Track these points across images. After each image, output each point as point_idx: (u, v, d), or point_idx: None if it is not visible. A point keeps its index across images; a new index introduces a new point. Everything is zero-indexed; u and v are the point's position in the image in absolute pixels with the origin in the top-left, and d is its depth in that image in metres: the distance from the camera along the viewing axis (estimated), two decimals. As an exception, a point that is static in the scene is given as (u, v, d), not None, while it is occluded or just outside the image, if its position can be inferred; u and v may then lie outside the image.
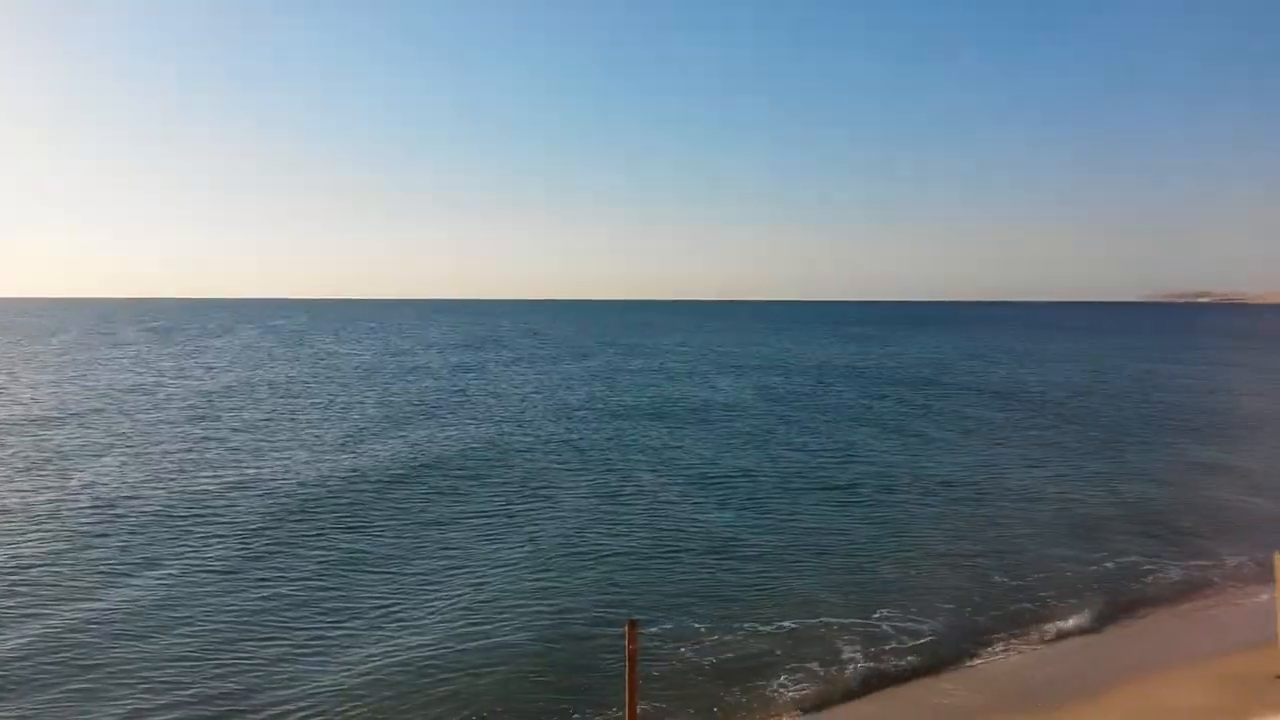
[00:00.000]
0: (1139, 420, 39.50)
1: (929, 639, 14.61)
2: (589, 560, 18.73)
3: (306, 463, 28.58)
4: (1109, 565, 18.47)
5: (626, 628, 10.29)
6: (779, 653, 14.04)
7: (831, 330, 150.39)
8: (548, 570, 18.05)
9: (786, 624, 15.19)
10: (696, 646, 14.23)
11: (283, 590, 16.72)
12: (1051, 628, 15.19)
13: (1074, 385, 55.08)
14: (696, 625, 15.07)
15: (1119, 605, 16.26)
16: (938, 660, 13.90)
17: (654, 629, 14.78)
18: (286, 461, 28.81)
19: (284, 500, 23.45)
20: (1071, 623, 15.43)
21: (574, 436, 34.58)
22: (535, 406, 44.02)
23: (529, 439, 33.88)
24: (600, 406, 44.18)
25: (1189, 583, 17.49)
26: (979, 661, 14.00)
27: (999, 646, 14.52)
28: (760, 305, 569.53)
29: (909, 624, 15.23)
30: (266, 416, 39.60)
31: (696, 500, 24.05)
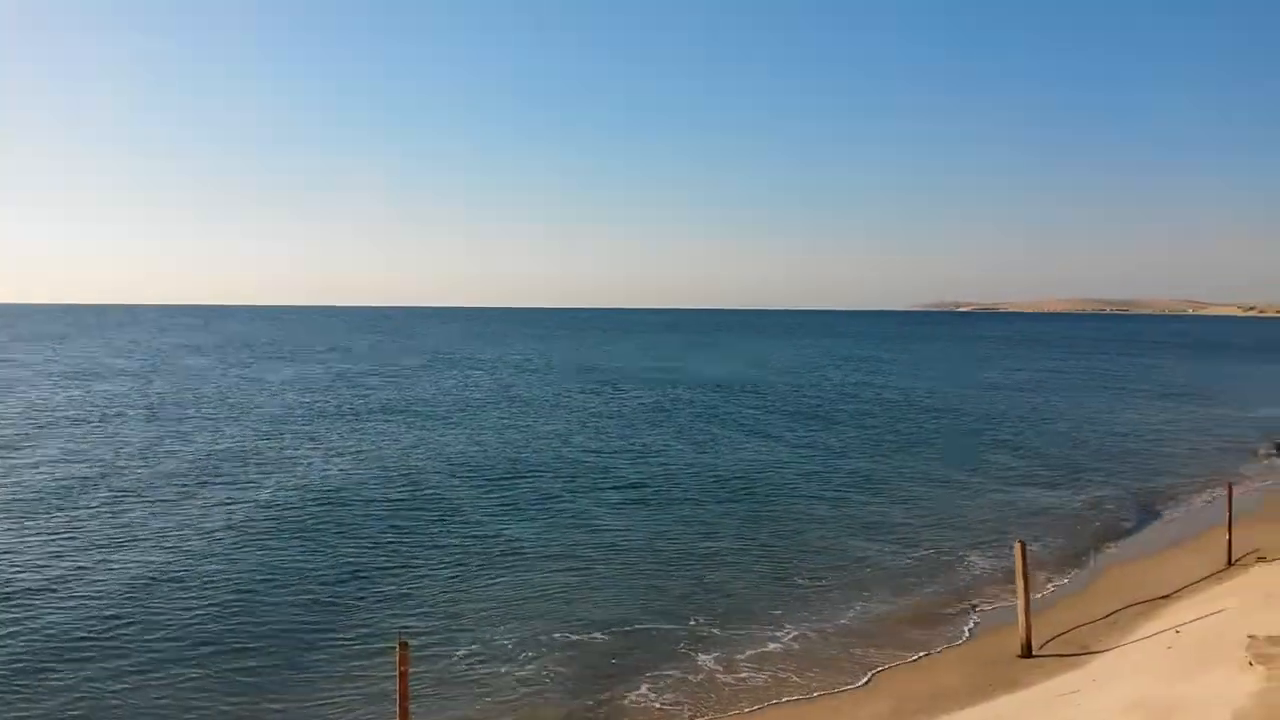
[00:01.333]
0: (858, 412, 42.41)
1: (709, 633, 14.79)
2: (360, 573, 17.77)
3: None
4: (890, 558, 19.46)
5: (398, 648, 9.72)
6: (560, 667, 13.76)
7: (608, 337, 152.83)
8: (322, 584, 16.99)
9: (574, 635, 14.94)
10: (471, 661, 13.70)
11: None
12: (818, 617, 15.76)
13: (829, 387, 58.57)
14: (471, 638, 14.55)
15: (893, 592, 17.13)
16: (722, 649, 14.08)
17: (428, 644, 14.14)
18: None
19: None
20: (852, 612, 16.09)
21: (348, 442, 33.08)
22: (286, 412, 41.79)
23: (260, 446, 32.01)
24: (339, 408, 42.59)
25: (946, 569, 18.70)
26: (754, 651, 14.26)
27: (787, 633, 14.93)
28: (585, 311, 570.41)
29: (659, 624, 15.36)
30: None
31: (479, 504, 23.46)
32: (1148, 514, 23.84)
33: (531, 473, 28.18)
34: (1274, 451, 33.39)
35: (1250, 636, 8.14)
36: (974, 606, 16.58)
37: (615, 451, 32.45)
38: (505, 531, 21.05)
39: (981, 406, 48.65)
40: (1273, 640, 7.90)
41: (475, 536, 20.63)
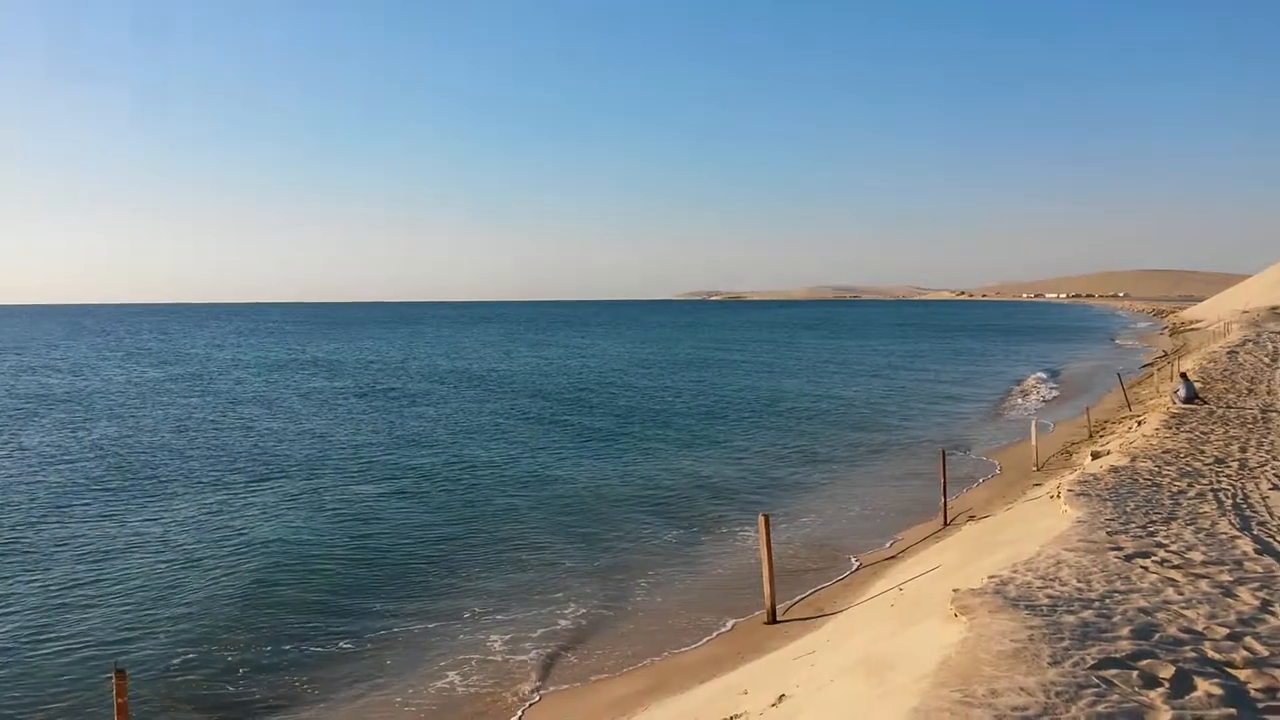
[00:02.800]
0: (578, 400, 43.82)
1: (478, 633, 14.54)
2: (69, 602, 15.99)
3: None
4: (654, 536, 19.93)
5: (114, 678, 8.78)
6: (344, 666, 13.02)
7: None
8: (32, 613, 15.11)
9: (313, 647, 14.18)
10: (193, 690, 12.68)
11: None
12: (587, 599, 15.92)
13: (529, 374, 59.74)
14: (200, 662, 13.48)
15: (660, 569, 17.57)
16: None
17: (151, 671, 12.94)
18: None
19: None
20: (612, 592, 16.33)
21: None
22: None
23: None
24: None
25: (705, 542, 19.44)
26: (497, 639, 14.19)
27: (564, 615, 14.93)
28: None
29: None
30: None
31: (225, 502, 21.81)
32: (877, 481, 25.97)
33: (279, 473, 26.57)
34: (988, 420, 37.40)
35: (955, 590, 8.96)
36: (720, 577, 17.37)
37: (361, 445, 31.27)
38: (254, 530, 19.69)
39: (724, 387, 51.18)
40: (973, 592, 8.74)
41: (213, 531, 19.15)
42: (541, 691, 12.56)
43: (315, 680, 12.86)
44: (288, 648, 13.93)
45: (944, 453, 21.16)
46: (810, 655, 11.20)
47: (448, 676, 13.02)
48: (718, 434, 34.66)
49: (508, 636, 14.44)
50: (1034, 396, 46.14)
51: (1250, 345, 46.83)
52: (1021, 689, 6.29)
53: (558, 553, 18.98)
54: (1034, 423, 27.70)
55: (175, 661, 13.36)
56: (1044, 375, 56.42)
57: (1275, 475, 15.81)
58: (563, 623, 15.10)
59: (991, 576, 9.53)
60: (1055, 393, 47.13)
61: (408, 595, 16.37)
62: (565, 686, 12.75)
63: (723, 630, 14.58)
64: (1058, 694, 6.21)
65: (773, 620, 14.52)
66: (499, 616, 15.29)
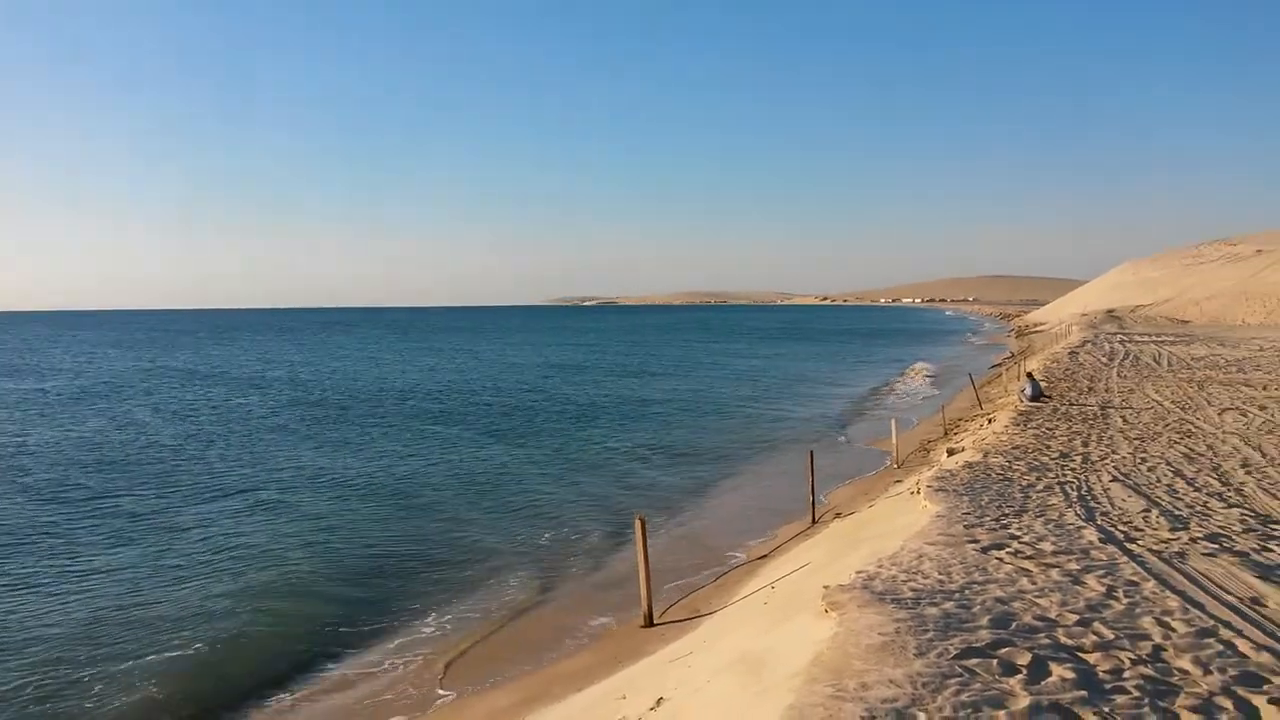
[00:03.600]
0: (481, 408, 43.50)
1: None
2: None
3: None
4: (520, 545, 19.65)
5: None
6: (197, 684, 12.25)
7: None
8: None
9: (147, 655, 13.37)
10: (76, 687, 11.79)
11: None
12: (459, 609, 15.58)
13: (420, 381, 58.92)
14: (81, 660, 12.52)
15: (528, 577, 17.32)
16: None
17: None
18: None
19: None
20: (487, 602, 16.02)
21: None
22: None
23: None
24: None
25: (575, 549, 19.33)
26: (355, 658, 13.75)
27: (426, 628, 14.50)
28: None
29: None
30: None
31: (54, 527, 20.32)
32: (749, 481, 26.47)
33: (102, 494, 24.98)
34: (845, 424, 38.70)
35: (825, 587, 9.18)
36: (592, 580, 17.34)
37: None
38: (96, 557, 18.42)
39: (596, 390, 51.31)
40: (842, 588, 8.97)
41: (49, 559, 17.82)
42: (409, 713, 12.19)
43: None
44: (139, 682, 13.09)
45: (811, 453, 21.74)
46: (687, 657, 11.26)
47: (281, 696, 12.48)
48: (592, 436, 34.67)
49: (369, 654, 13.97)
50: (894, 395, 48.08)
51: (1089, 346, 50.09)
52: (890, 681, 6.47)
53: (425, 562, 18.53)
54: (894, 421, 28.82)
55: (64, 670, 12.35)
56: (903, 375, 58.90)
57: (1115, 468, 16.91)
58: (427, 632, 14.74)
59: (859, 572, 9.81)
60: (915, 391, 49.25)
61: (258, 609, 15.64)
62: (436, 702, 12.42)
63: (600, 636, 14.54)
64: (924, 684, 6.42)
65: (650, 623, 14.55)
66: (364, 629, 14.79)
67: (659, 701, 9.20)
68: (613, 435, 35.05)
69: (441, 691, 12.72)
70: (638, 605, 14.81)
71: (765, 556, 17.98)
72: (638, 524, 14.76)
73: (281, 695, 12.57)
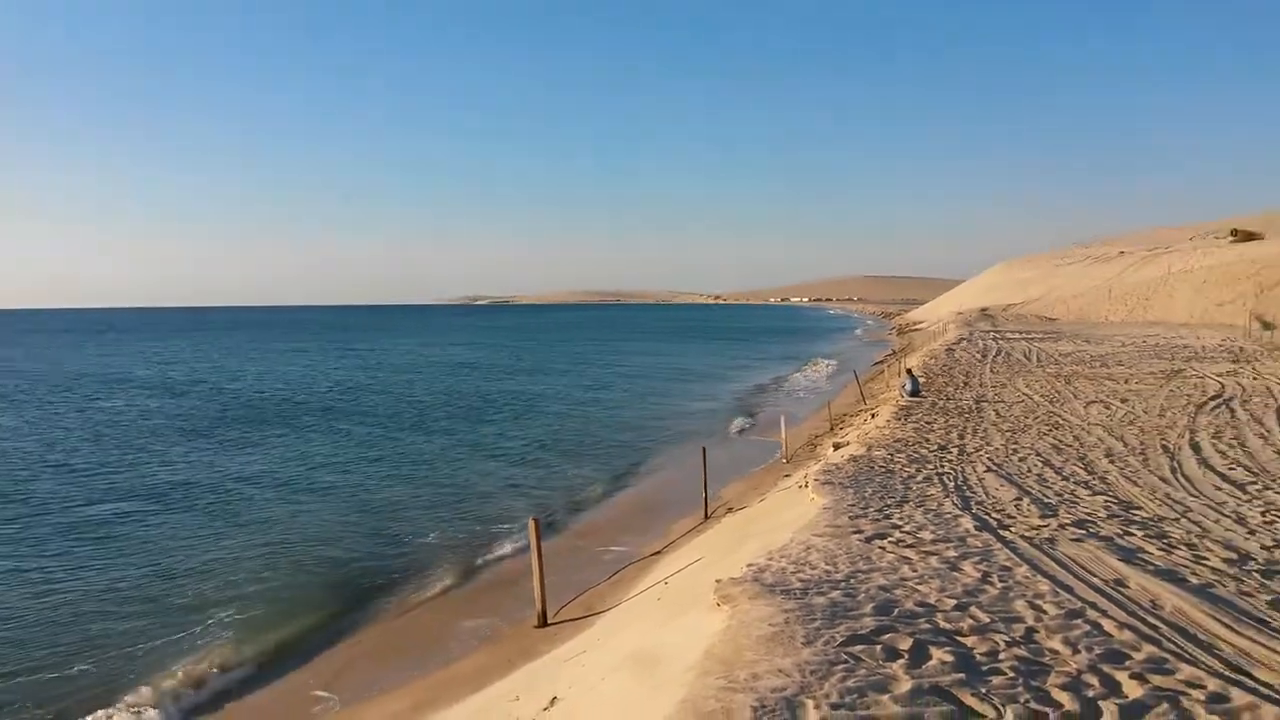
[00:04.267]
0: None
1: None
2: None
3: None
4: (385, 551, 19.23)
5: None
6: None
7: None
8: None
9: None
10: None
11: None
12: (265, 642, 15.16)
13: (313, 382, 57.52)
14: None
15: (413, 582, 16.98)
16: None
17: None
18: None
19: None
20: (379, 608, 15.62)
21: None
22: None
23: None
24: None
25: (462, 551, 19.06)
26: (249, 660, 13.28)
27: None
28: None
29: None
30: None
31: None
32: (643, 477, 26.63)
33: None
34: (747, 415, 39.35)
35: (717, 580, 9.29)
36: (491, 585, 17.15)
37: None
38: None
39: (487, 389, 50.80)
40: (734, 581, 9.10)
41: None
42: None
43: None
44: (-5, 697, 12.27)
45: (704, 449, 22.01)
46: (581, 655, 11.24)
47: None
48: (483, 435, 34.27)
49: (257, 659, 13.50)
50: (784, 391, 49.14)
51: (965, 343, 52.25)
52: (780, 670, 6.59)
53: (315, 562, 17.98)
54: (783, 417, 29.45)
55: None
56: (797, 371, 60.26)
57: (989, 459, 17.67)
58: (311, 639, 14.31)
59: (750, 565, 9.97)
60: (804, 387, 50.45)
61: (137, 615, 14.89)
62: (315, 709, 12.06)
63: (493, 638, 14.37)
64: (812, 672, 6.57)
65: (544, 623, 14.47)
66: (244, 639, 14.23)
67: (553, 701, 9.15)
68: (505, 434, 34.74)
69: (321, 694, 12.36)
70: (532, 605, 14.71)
71: (659, 552, 18.10)
72: (531, 525, 14.65)
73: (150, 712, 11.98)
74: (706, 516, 20.51)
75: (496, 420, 38.67)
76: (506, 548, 19.36)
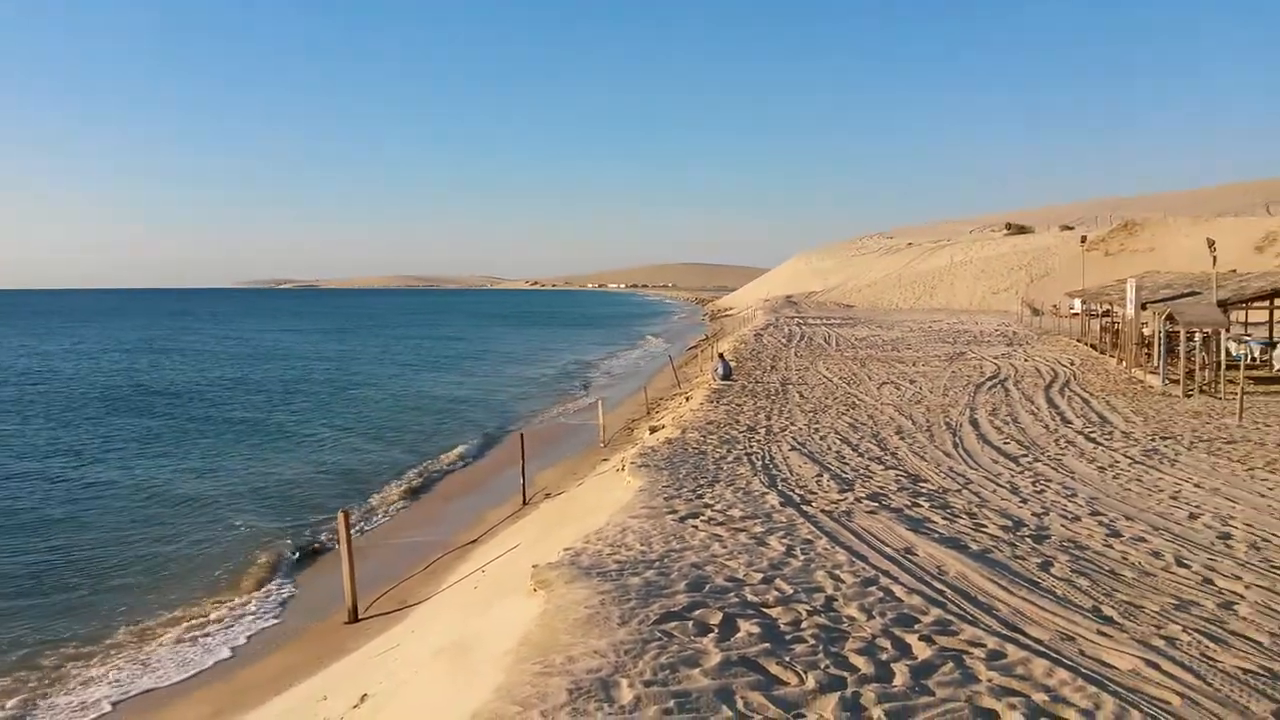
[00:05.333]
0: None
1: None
2: None
3: None
4: (182, 547, 18.06)
5: None
6: None
7: None
8: None
9: None
10: None
11: None
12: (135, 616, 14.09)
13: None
14: None
15: (203, 579, 15.98)
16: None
17: None
18: None
19: None
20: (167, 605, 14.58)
21: None
22: None
23: None
24: None
25: (267, 546, 18.13)
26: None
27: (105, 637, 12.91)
28: None
29: None
30: None
31: None
32: (460, 465, 26.20)
33: None
34: (568, 397, 39.39)
35: (533, 566, 9.28)
36: (303, 578, 16.43)
37: None
38: None
39: (293, 377, 48.55)
40: (550, 566, 9.12)
41: None
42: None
43: None
44: None
45: (522, 435, 21.93)
46: (394, 649, 10.96)
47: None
48: (287, 426, 32.66)
49: (33, 676, 12.32)
50: (602, 374, 49.65)
51: (771, 329, 54.55)
52: (595, 652, 6.66)
53: (97, 566, 16.59)
54: (600, 401, 29.76)
55: None
56: (609, 356, 60.96)
57: (793, 438, 18.54)
58: (106, 643, 13.25)
59: (567, 549, 10.01)
60: (621, 370, 51.15)
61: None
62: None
63: (300, 635, 13.76)
64: (626, 652, 6.68)
65: (355, 619, 13.99)
66: (12, 653, 12.96)
67: (363, 698, 8.87)
68: (311, 420, 33.33)
69: (109, 707, 11.47)
70: (342, 600, 14.19)
71: (476, 541, 17.88)
72: (341, 518, 14.14)
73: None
74: (525, 503, 20.44)
75: (305, 409, 36.98)
76: (314, 541, 18.57)
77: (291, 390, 43.23)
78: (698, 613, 7.70)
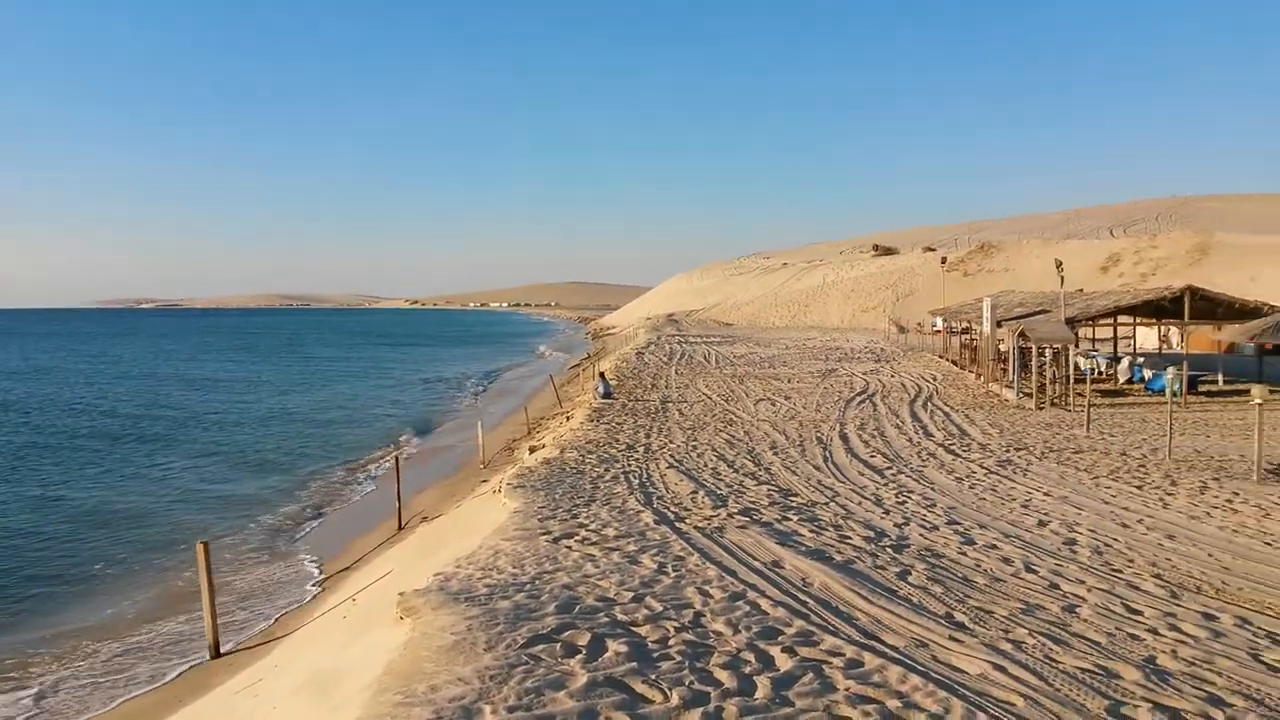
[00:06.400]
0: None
1: None
2: None
3: None
4: (25, 586, 16.93)
5: None
6: None
7: None
8: None
9: None
10: None
11: None
12: None
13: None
14: None
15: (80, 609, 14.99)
16: None
17: None
18: None
19: None
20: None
21: None
22: None
23: None
24: None
25: (129, 581, 17.18)
26: None
27: None
28: None
29: None
30: None
31: None
32: (332, 490, 25.41)
33: None
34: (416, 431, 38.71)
35: (399, 593, 9.10)
36: (161, 614, 15.60)
37: None
38: None
39: (150, 403, 46.22)
40: (418, 592, 8.96)
41: None
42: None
43: None
44: None
45: (397, 458, 21.46)
46: (257, 684, 10.52)
47: None
48: (136, 455, 30.96)
49: None
50: (480, 395, 49.05)
51: (653, 347, 55.10)
52: (459, 679, 6.58)
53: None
54: (479, 422, 29.39)
55: None
56: (487, 378, 60.32)
57: (671, 456, 18.76)
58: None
59: (436, 574, 9.85)
60: (502, 389, 50.64)
61: None
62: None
63: (159, 674, 13.05)
64: (491, 678, 6.62)
65: (218, 654, 13.36)
66: None
67: (220, 738, 8.49)
68: (170, 447, 31.72)
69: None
70: (203, 636, 13.54)
71: (349, 568, 17.37)
72: (200, 551, 13.51)
73: None
74: (400, 527, 19.97)
75: (162, 436, 35.17)
76: (174, 574, 17.67)
77: (153, 415, 41.13)
78: (566, 634, 7.70)
